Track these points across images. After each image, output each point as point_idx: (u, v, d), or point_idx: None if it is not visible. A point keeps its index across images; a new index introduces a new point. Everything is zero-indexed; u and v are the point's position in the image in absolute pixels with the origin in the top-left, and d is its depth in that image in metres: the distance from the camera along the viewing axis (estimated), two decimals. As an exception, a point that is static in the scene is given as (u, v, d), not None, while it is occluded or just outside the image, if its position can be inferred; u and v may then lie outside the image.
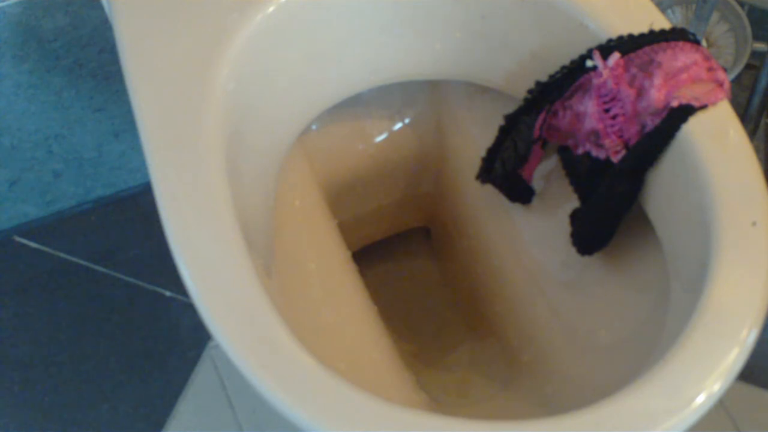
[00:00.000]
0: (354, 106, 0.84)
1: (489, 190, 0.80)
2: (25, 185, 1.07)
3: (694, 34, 0.65)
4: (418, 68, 0.80)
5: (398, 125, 0.89)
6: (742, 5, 1.02)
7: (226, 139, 0.63)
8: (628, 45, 0.64)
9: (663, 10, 1.02)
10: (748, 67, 1.01)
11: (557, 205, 0.79)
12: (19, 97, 0.97)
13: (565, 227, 0.74)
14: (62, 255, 1.10)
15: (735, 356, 0.53)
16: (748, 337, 0.54)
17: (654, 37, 0.64)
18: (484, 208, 0.86)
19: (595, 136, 0.66)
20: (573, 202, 0.73)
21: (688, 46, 0.63)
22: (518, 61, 0.75)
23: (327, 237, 0.81)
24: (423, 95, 0.88)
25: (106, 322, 1.06)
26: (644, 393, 0.52)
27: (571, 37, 0.70)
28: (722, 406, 0.97)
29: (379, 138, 0.89)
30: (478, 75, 0.79)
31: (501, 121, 0.75)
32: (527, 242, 0.82)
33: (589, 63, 0.66)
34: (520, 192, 0.78)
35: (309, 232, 0.81)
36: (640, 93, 0.63)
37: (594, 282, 0.75)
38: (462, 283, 0.96)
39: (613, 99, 0.65)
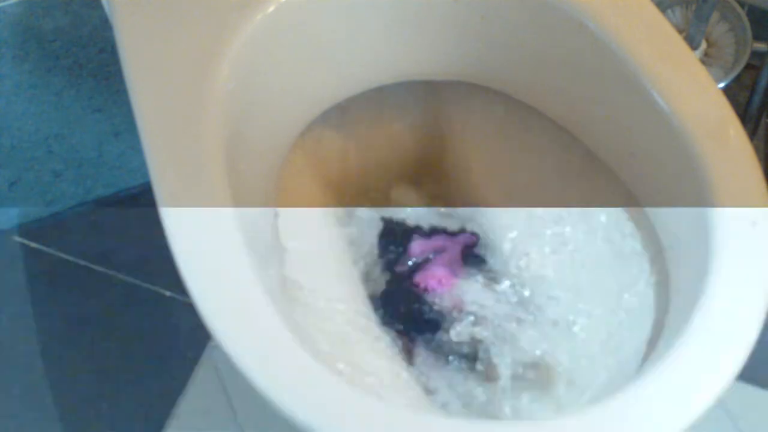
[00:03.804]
0: (354, 105, 0.84)
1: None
2: (25, 185, 1.07)
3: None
4: (418, 68, 0.80)
5: (398, 125, 0.89)
6: (742, 5, 1.02)
7: (226, 139, 0.63)
8: None
9: (663, 10, 1.01)
10: (748, 67, 1.01)
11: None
12: (19, 97, 0.97)
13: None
14: (62, 255, 1.10)
15: (735, 356, 0.53)
16: (748, 337, 0.54)
17: None
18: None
19: None
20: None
21: None
22: (518, 61, 0.75)
23: (327, 237, 0.81)
24: (423, 95, 0.88)
25: (106, 322, 1.06)
26: (644, 393, 0.52)
27: (571, 37, 0.70)
28: (722, 406, 0.97)
29: (379, 138, 0.89)
30: (478, 75, 0.79)
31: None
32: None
33: None
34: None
35: (309, 231, 0.81)
36: None
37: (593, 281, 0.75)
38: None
39: None
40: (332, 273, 0.80)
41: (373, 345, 0.77)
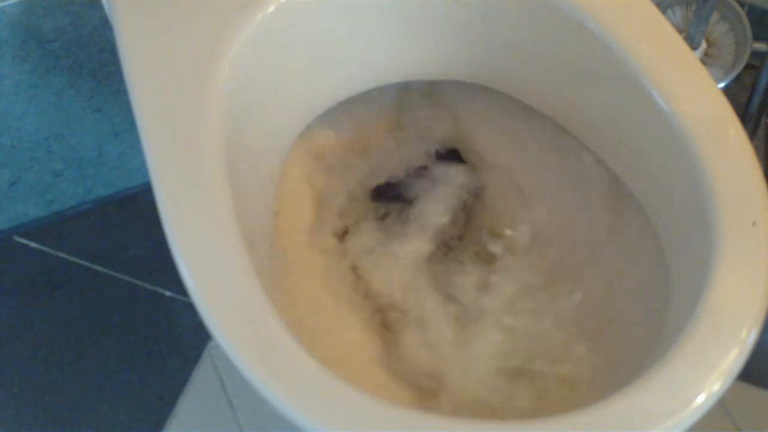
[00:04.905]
0: (354, 105, 0.84)
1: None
2: (25, 185, 1.07)
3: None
4: (418, 68, 0.80)
5: (398, 125, 0.89)
6: (742, 5, 1.02)
7: (226, 139, 0.63)
8: None
9: (663, 11, 1.02)
10: (748, 67, 1.01)
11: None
12: (19, 97, 0.97)
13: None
14: (62, 255, 1.10)
15: (735, 356, 0.53)
16: (748, 337, 0.54)
17: None
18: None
19: None
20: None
21: None
22: (518, 61, 0.75)
23: (329, 236, 0.81)
24: (423, 95, 0.88)
25: (106, 322, 1.06)
26: (644, 393, 0.52)
27: (571, 37, 0.70)
28: (722, 406, 0.97)
29: (379, 138, 0.89)
30: (478, 75, 0.79)
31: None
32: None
33: None
34: None
35: (310, 231, 0.81)
36: None
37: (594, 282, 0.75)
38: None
39: None
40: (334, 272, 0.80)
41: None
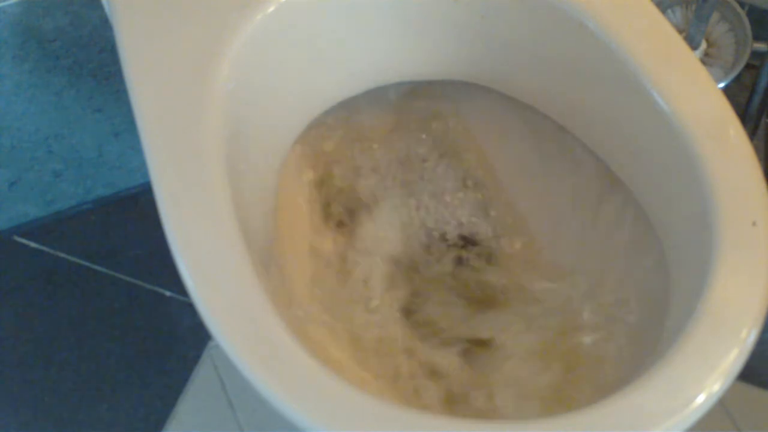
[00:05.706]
0: (354, 105, 0.84)
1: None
2: (25, 185, 1.07)
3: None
4: (418, 68, 0.80)
5: (398, 125, 0.89)
6: (742, 5, 1.02)
7: (226, 138, 0.63)
8: None
9: (663, 11, 1.02)
10: (748, 67, 1.01)
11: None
12: (19, 97, 0.97)
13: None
14: (62, 255, 1.10)
15: (735, 356, 0.53)
16: (748, 337, 0.54)
17: None
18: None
19: None
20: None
21: None
22: (518, 61, 0.75)
23: (327, 237, 0.81)
24: (423, 95, 0.88)
25: (106, 322, 1.06)
26: (644, 393, 0.52)
27: (571, 37, 0.70)
28: (722, 406, 0.97)
29: (379, 139, 0.89)
30: (478, 75, 0.79)
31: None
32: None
33: None
34: None
35: (309, 231, 0.81)
36: None
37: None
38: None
39: None
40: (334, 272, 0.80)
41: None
